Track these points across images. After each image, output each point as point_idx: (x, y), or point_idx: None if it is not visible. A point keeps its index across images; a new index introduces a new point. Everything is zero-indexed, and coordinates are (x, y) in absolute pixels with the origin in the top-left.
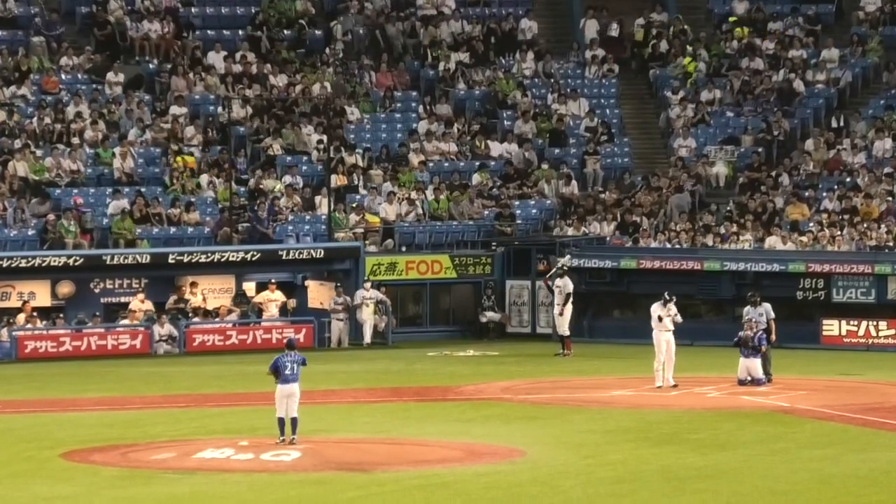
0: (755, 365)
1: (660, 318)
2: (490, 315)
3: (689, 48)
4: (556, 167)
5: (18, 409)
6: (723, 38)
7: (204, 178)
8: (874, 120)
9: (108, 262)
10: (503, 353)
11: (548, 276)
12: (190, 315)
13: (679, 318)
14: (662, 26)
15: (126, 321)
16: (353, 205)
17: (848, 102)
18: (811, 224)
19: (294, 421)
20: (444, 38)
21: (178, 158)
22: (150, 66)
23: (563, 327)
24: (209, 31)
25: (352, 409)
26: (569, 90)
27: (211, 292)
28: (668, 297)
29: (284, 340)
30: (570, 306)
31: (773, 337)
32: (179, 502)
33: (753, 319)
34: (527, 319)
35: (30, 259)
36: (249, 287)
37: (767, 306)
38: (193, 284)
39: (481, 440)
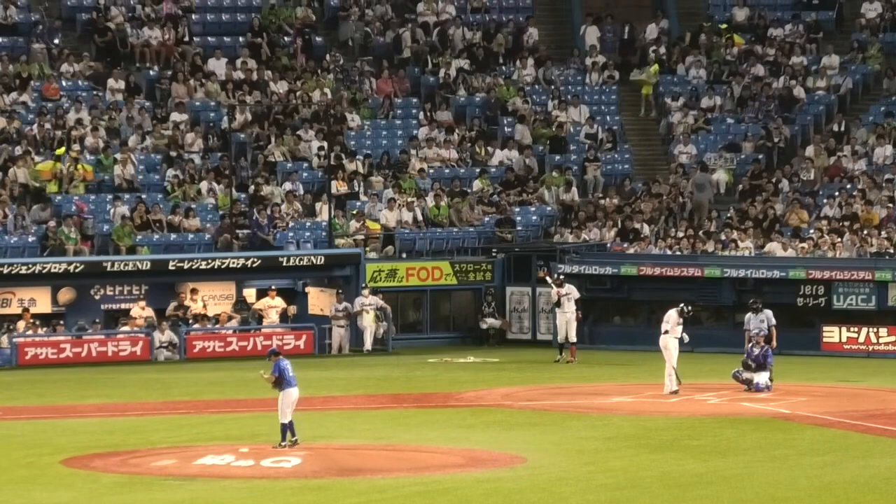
0: (762, 377)
1: (665, 332)
2: (490, 321)
3: (653, 54)
4: (559, 173)
5: (19, 415)
6: (723, 46)
7: (204, 185)
8: (875, 126)
9: (108, 269)
10: (503, 359)
11: (555, 288)
12: (190, 322)
13: (685, 337)
14: (663, 33)
15: (126, 328)
16: (354, 211)
17: (848, 109)
18: (812, 230)
19: (292, 423)
20: (446, 44)
21: (80, 166)
22: (151, 72)
23: (572, 334)
24: (210, 38)
25: (352, 415)
26: (569, 97)
27: (211, 299)
28: (686, 310)
29: (268, 350)
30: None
31: (774, 343)
32: None
33: (761, 333)
34: (527, 326)
35: (30, 266)
36: (250, 293)
37: (768, 313)
38: (194, 291)
39: (482, 447)
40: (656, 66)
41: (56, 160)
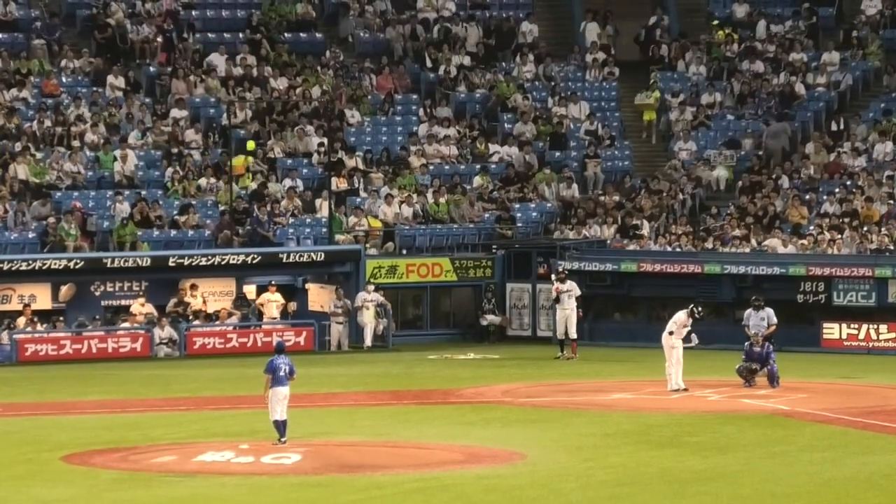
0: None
1: (670, 333)
2: (490, 318)
3: (654, 74)
4: (557, 170)
5: (19, 411)
6: (722, 42)
7: (204, 181)
8: (874, 123)
9: (108, 265)
10: (503, 356)
11: (556, 284)
12: (190, 318)
13: (695, 338)
14: (664, 30)
15: (126, 324)
16: (354, 207)
17: (848, 105)
18: (812, 227)
19: (285, 423)
20: (445, 40)
21: (247, 159)
22: (151, 68)
23: (572, 330)
24: (210, 34)
25: (352, 412)
26: (569, 93)
27: (211, 295)
28: (697, 312)
29: (274, 343)
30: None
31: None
32: None
33: (759, 334)
34: (527, 322)
35: (30, 262)
36: (250, 290)
37: (770, 311)
38: (193, 287)
39: (481, 443)
40: (657, 94)
41: (248, 154)
